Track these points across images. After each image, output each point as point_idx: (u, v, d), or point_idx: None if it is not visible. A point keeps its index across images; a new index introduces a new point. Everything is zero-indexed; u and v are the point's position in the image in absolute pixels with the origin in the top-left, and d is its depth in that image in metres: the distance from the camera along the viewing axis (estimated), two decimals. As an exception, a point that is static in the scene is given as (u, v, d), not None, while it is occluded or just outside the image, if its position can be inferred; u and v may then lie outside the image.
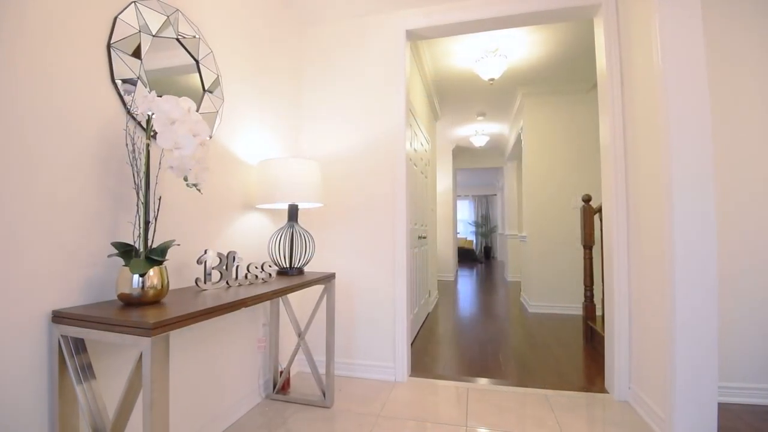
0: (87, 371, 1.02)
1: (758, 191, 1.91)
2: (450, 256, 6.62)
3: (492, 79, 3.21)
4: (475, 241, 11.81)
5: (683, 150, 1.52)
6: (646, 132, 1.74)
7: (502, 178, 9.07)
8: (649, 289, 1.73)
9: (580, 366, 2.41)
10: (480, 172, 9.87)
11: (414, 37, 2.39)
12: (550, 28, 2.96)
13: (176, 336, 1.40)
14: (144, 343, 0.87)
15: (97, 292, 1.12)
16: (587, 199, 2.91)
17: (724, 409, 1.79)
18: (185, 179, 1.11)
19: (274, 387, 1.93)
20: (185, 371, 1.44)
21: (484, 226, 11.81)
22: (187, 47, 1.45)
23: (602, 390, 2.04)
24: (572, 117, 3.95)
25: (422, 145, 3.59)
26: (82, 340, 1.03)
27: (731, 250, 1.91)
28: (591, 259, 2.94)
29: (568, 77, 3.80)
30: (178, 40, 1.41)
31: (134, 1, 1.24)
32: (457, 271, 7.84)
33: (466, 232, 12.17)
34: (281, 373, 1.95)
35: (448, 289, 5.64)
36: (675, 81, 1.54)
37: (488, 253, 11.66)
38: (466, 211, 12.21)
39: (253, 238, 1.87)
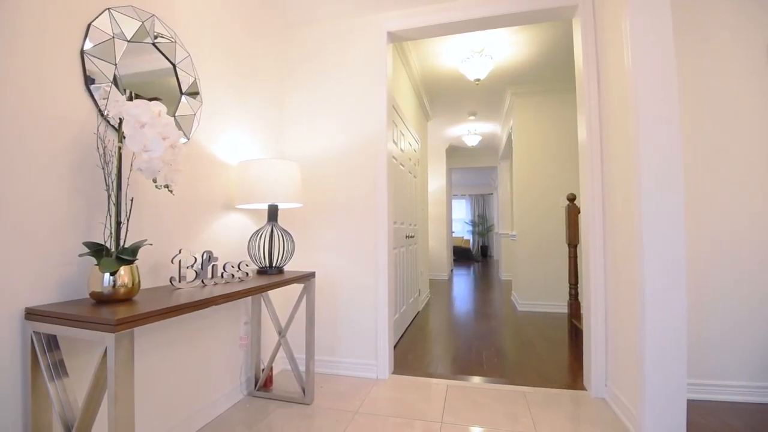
0: (59, 368, 1.06)
1: (735, 190, 1.93)
2: (444, 255, 6.65)
3: (478, 80, 3.24)
4: (472, 240, 11.84)
5: (653, 150, 1.54)
6: (620, 132, 1.77)
7: (497, 177, 9.10)
8: (623, 287, 1.76)
9: (562, 363, 2.44)
10: (476, 171, 9.90)
11: (396, 38, 2.42)
12: (535, 28, 2.98)
13: (155, 334, 1.43)
14: (108, 338, 0.91)
15: (71, 291, 1.16)
16: (572, 198, 2.94)
17: (699, 406, 1.82)
18: (154, 181, 1.14)
19: (256, 384, 1.96)
20: (164, 368, 1.47)
21: (481, 225, 11.84)
22: (163, 52, 1.48)
23: (581, 387, 2.07)
24: (561, 116, 3.98)
25: (411, 145, 3.62)
26: (54, 337, 1.06)
27: (701, 249, 1.93)
28: (576, 257, 2.97)
29: (556, 77, 3.82)
30: (154, 45, 1.44)
31: (108, 8, 1.27)
32: (452, 270, 7.87)
33: (463, 231, 12.20)
34: (263, 370, 1.98)
35: (441, 288, 5.67)
36: (644, 81, 1.57)
37: (485, 252, 11.69)
38: (462, 211, 12.24)
39: (234, 237, 1.90)
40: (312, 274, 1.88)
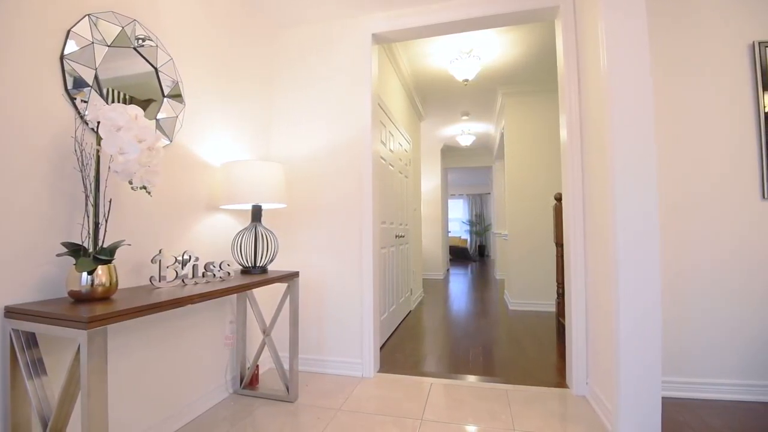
0: (38, 366, 1.09)
1: (707, 190, 1.95)
2: (439, 254, 6.67)
3: (466, 80, 3.26)
4: (469, 240, 11.86)
5: (627, 151, 1.57)
6: (598, 133, 1.80)
7: (492, 177, 9.12)
8: (600, 286, 1.79)
9: (548, 362, 2.47)
10: (472, 171, 9.92)
11: (381, 40, 2.45)
12: (524, 29, 3.00)
13: (140, 332, 1.46)
14: (81, 336, 0.93)
15: (51, 290, 1.19)
16: (559, 198, 2.96)
17: (679, 404, 1.84)
18: (130, 182, 1.17)
19: (242, 382, 1.99)
20: (149, 367, 1.50)
21: (479, 224, 11.86)
22: (144, 55, 1.51)
23: (563, 385, 2.09)
24: (551, 116, 4.00)
25: (401, 145, 3.64)
26: (33, 335, 1.09)
27: (679, 248, 1.95)
28: (563, 256, 2.99)
29: (545, 77, 3.84)
30: (135, 49, 1.47)
31: (88, 14, 1.30)
32: (448, 270, 7.90)
33: (461, 230, 12.22)
34: (249, 368, 2.01)
35: (435, 288, 5.70)
36: (619, 82, 1.59)
37: (482, 251, 11.71)
38: (460, 210, 12.26)
39: (218, 238, 1.93)
40: (296, 274, 1.91)
